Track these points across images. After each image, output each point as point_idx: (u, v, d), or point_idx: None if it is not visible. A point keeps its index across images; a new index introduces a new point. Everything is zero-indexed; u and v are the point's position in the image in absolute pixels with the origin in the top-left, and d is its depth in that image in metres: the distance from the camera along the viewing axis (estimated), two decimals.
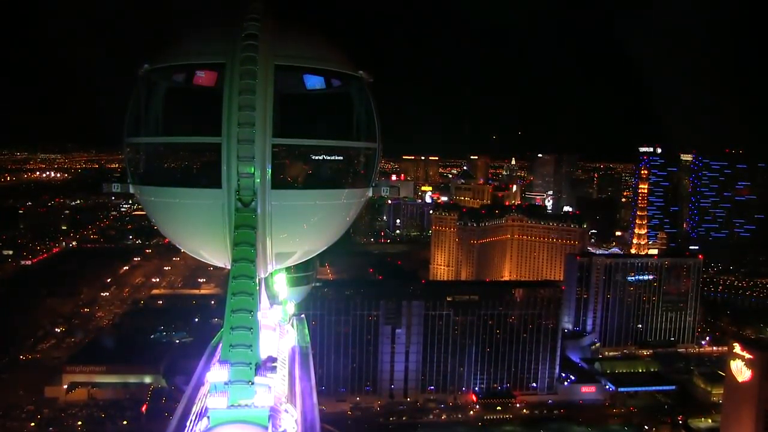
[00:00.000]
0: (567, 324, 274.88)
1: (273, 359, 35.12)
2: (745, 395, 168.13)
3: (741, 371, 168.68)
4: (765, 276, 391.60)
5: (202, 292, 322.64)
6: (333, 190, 33.76)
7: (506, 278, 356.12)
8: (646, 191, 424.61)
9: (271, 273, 38.94)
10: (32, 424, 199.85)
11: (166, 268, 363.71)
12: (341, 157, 34.66)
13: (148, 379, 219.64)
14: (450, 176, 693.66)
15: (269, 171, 29.88)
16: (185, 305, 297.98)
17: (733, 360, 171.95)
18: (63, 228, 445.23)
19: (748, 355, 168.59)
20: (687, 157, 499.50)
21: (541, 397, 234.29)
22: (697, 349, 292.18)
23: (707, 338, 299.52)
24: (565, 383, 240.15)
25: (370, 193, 35.62)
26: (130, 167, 33.63)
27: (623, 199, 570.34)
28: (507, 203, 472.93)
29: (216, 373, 30.14)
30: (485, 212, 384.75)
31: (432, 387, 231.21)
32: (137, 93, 33.19)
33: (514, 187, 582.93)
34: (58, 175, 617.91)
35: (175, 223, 33.54)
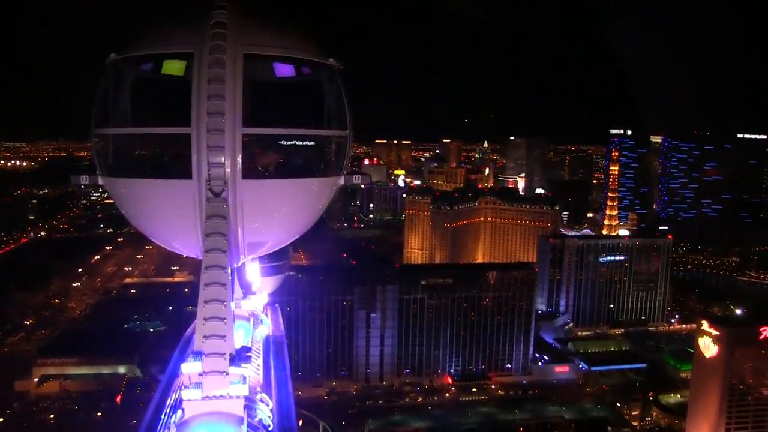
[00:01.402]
0: (540, 305, 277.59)
1: (247, 349, 35.07)
2: (713, 370, 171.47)
3: (708, 347, 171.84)
4: (732, 254, 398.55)
5: (176, 280, 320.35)
6: (304, 179, 33.59)
7: (480, 261, 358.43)
8: (616, 173, 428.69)
9: (244, 263, 38.74)
10: (1, 419, 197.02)
11: (139, 257, 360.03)
12: (312, 146, 34.47)
13: (122, 370, 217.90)
14: (423, 160, 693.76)
15: (240, 160, 29.66)
16: (159, 294, 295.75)
17: (701, 337, 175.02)
18: (30, 218, 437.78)
19: (715, 332, 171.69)
20: (656, 139, 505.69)
21: (516, 378, 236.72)
22: (666, 327, 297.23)
23: (676, 316, 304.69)
24: (539, 364, 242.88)
25: (342, 182, 35.47)
26: (99, 158, 33.12)
27: (594, 181, 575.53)
28: (480, 186, 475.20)
29: (190, 365, 29.97)
30: (458, 195, 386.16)
31: (407, 370, 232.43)
32: (105, 83, 32.62)
33: (487, 170, 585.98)
34: (24, 164, 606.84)
35: (146, 214, 33.17)
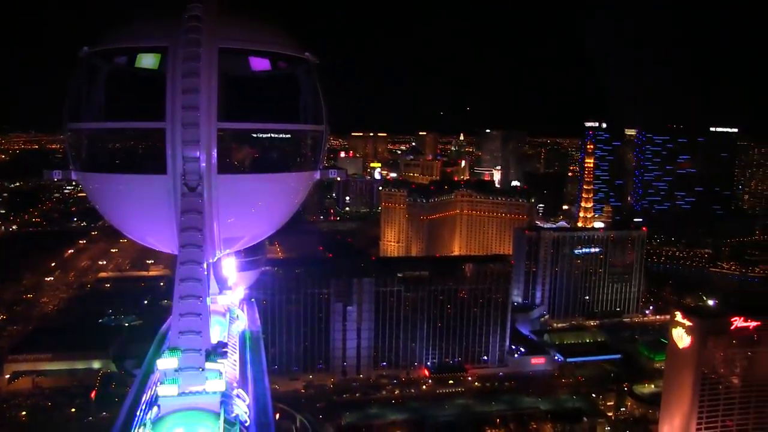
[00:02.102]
0: (516, 297, 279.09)
1: (224, 345, 34.83)
2: (686, 361, 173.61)
3: (682, 338, 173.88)
4: (704, 246, 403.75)
5: (151, 273, 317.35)
6: (280, 174, 33.34)
7: (456, 253, 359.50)
8: (591, 165, 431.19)
9: (220, 258, 38.49)
10: None
11: (113, 251, 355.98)
12: (288, 141, 34.09)
13: (96, 365, 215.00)
14: (399, 153, 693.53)
15: (215, 155, 29.25)
16: (134, 288, 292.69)
17: (675, 328, 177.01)
18: (1, 212, 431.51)
19: (688, 323, 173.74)
20: (631, 132, 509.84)
21: (492, 370, 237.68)
22: (641, 319, 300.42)
23: (651, 308, 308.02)
24: (516, 355, 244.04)
25: (318, 176, 35.29)
26: (72, 153, 32.57)
27: (570, 174, 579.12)
28: (456, 179, 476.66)
29: (166, 361, 29.68)
30: (434, 188, 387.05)
31: (384, 363, 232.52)
32: (77, 76, 31.98)
33: (463, 163, 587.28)
34: None
35: (120, 209, 32.74)
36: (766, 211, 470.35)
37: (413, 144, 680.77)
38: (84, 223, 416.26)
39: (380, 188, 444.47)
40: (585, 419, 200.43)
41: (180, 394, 29.77)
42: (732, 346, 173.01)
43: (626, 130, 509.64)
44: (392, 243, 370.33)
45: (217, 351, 32.18)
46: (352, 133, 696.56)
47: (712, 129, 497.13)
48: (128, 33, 31.09)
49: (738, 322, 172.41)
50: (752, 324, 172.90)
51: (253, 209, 33.18)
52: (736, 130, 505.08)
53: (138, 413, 33.24)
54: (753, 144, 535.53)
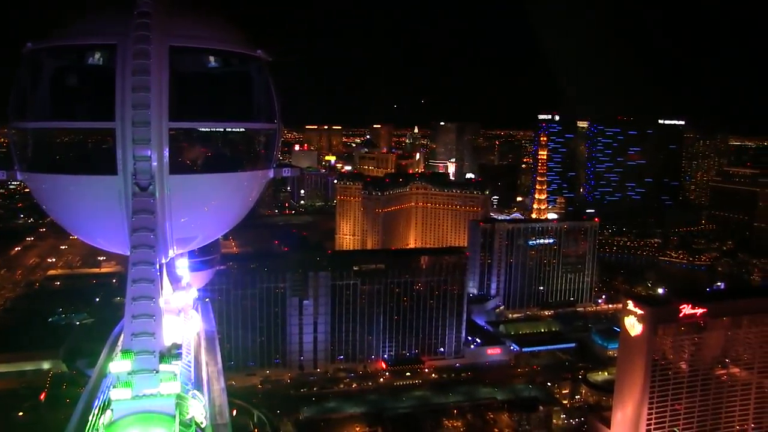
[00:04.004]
0: (472, 289, 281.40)
1: (178, 346, 34.14)
2: (637, 348, 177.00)
3: (633, 326, 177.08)
4: (654, 236, 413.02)
5: (103, 270, 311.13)
6: (233, 173, 32.91)
7: (412, 246, 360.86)
8: (545, 157, 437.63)
9: (173, 258, 37.73)
10: None
11: (63, 247, 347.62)
12: (241, 139, 33.68)
13: (46, 365, 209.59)
14: (353, 146, 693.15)
15: (167, 154, 28.64)
16: (85, 285, 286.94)
17: (627, 316, 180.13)
18: None
19: (639, 311, 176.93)
20: (583, 124, 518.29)
21: (449, 361, 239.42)
22: (594, 308, 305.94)
23: (603, 297, 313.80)
24: (472, 346, 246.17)
25: (271, 175, 35.00)
26: (17, 153, 31.43)
27: (523, 166, 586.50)
28: (411, 171, 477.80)
29: (118, 364, 29.02)
30: (389, 181, 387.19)
31: (341, 357, 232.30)
32: (21, 73, 30.89)
33: (418, 156, 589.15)
34: None
35: (69, 210, 31.81)
36: (712, 201, 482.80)
37: (368, 137, 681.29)
38: (31, 220, 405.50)
39: (335, 181, 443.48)
40: (541, 408, 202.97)
41: (134, 398, 29.07)
42: (680, 332, 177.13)
43: (578, 122, 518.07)
44: (348, 236, 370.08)
45: (171, 352, 31.56)
46: (307, 126, 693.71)
47: (661, 121, 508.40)
48: (75, 29, 30.11)
49: (686, 309, 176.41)
50: (699, 311, 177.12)
51: (207, 209, 32.64)
52: (683, 122, 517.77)
53: (90, 418, 32.34)
54: (699, 136, 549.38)
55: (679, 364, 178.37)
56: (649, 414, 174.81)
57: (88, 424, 32.01)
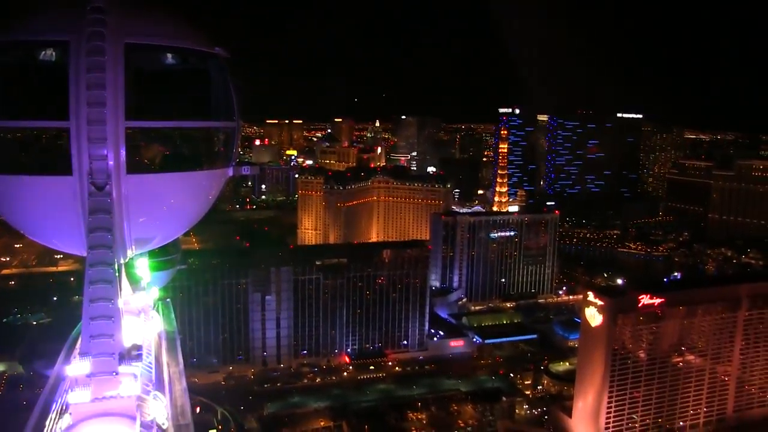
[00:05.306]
0: (434, 282, 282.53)
1: (138, 347, 33.58)
2: (598, 338, 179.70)
3: (594, 317, 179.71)
4: (613, 227, 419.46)
5: (60, 268, 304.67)
6: (192, 172, 32.38)
7: (374, 240, 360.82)
8: (505, 151, 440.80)
9: (132, 258, 37.04)
10: None
11: (17, 246, 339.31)
12: (199, 138, 33.20)
13: (1, 367, 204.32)
14: (314, 140, 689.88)
15: (123, 153, 28.06)
16: (41, 284, 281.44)
17: (588, 307, 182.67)
18: None
19: (599, 302, 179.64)
20: (543, 118, 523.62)
21: (413, 354, 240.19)
22: (555, 299, 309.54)
23: (564, 288, 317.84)
24: (435, 339, 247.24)
25: (230, 173, 34.64)
26: None
27: (484, 159, 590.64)
28: (372, 165, 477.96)
29: (76, 367, 28.39)
30: (351, 175, 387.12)
31: (305, 351, 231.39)
32: None
33: (379, 150, 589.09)
34: None
35: (22, 212, 30.92)
36: (668, 193, 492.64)
37: (329, 131, 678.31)
38: None
39: (296, 176, 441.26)
40: (504, 398, 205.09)
41: (93, 400, 28.38)
42: (639, 322, 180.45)
43: (538, 116, 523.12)
44: (310, 231, 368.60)
45: (131, 354, 30.94)
46: (267, 121, 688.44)
47: (619, 115, 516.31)
48: (25, 25, 29.18)
49: (645, 299, 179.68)
50: (657, 301, 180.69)
51: (165, 208, 32.14)
52: (640, 116, 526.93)
53: (48, 422, 31.52)
54: (656, 129, 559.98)
55: (638, 353, 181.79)
56: (609, 402, 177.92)
57: (46, 428, 31.25)
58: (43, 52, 29.46)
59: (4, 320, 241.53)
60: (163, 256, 53.30)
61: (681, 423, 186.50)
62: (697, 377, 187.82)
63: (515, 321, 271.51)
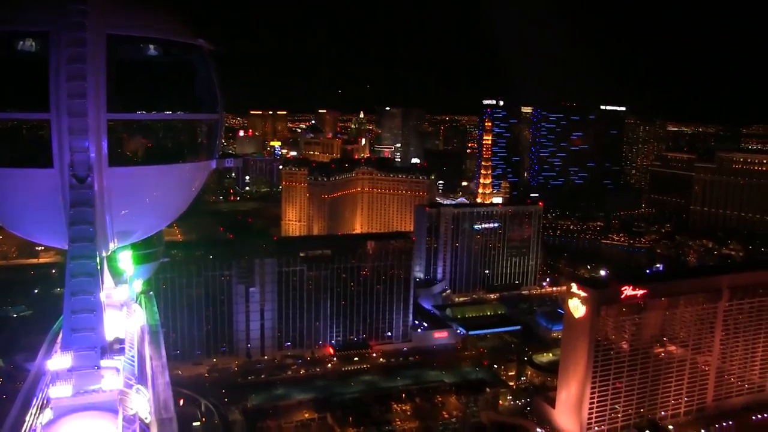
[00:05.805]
0: (418, 273, 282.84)
1: (120, 340, 33.26)
2: (581, 330, 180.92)
3: (577, 308, 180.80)
4: (596, 219, 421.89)
5: (41, 260, 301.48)
6: (175, 165, 32.03)
7: (358, 231, 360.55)
8: (489, 142, 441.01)
9: (115, 250, 36.59)
10: None
11: None
12: (182, 130, 32.81)
13: None
14: (299, 131, 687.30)
15: (105, 146, 27.64)
16: (22, 276, 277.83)
17: (571, 298, 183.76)
18: None
19: (583, 293, 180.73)
20: (527, 110, 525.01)
21: (397, 346, 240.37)
22: (539, 291, 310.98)
23: (548, 280, 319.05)
24: (419, 330, 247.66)
25: (213, 165, 34.31)
26: None
27: (468, 151, 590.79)
28: (356, 157, 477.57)
29: (57, 361, 27.98)
30: (335, 166, 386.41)
31: (289, 343, 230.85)
32: None
33: (363, 141, 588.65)
34: None
35: (2, 205, 30.40)
36: (651, 185, 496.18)
37: (313, 122, 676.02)
38: None
39: (280, 167, 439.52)
40: (488, 389, 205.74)
41: (74, 395, 27.98)
42: (622, 313, 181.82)
43: (522, 108, 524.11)
44: (294, 222, 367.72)
45: (113, 347, 30.59)
46: (251, 112, 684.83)
47: (603, 107, 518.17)
48: (5, 16, 28.54)
49: (627, 291, 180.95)
50: (639, 292, 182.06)
51: (148, 201, 31.78)
52: (623, 108, 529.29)
53: (28, 417, 31.09)
54: (639, 122, 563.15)
55: (621, 344, 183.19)
56: (592, 393, 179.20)
57: (26, 423, 30.84)
58: (23, 43, 28.92)
59: None
60: (146, 248, 52.77)
61: (663, 413, 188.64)
62: (678, 367, 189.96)
63: (499, 312, 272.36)
